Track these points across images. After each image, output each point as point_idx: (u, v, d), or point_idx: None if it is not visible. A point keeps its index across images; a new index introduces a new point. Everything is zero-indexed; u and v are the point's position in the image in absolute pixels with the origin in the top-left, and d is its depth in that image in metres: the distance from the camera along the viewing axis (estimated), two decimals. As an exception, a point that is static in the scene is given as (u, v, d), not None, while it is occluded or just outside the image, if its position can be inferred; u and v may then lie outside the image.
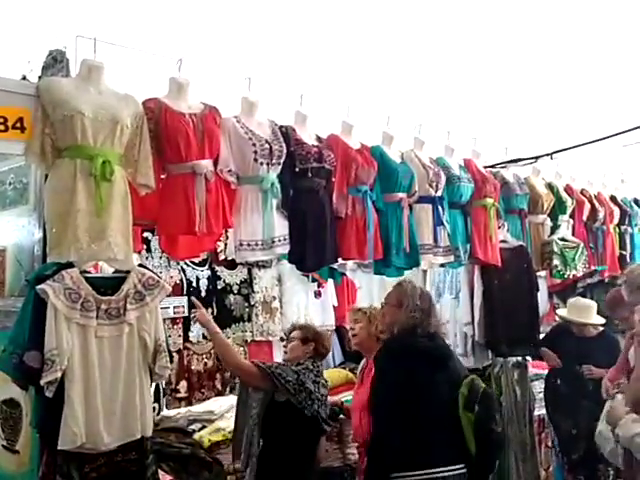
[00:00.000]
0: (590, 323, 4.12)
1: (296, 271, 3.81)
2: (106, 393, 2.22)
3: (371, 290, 4.50)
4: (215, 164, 2.64)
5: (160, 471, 2.60)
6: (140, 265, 2.49)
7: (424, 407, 2.59)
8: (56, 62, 2.56)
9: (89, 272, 2.38)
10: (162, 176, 2.57)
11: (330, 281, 4.28)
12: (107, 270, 2.60)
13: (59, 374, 2.12)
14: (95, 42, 2.40)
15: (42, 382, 2.11)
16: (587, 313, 4.13)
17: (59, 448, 2.11)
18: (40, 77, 2.49)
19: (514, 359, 4.01)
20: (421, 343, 2.72)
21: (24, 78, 2.46)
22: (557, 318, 4.42)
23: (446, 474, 2.57)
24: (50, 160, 2.26)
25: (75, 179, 2.21)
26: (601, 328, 4.16)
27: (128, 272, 2.37)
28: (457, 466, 2.60)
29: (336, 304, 4.48)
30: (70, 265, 2.23)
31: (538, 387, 4.23)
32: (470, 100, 4.65)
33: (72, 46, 2.50)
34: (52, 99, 2.24)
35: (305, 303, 4.33)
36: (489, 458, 2.70)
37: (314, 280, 4.29)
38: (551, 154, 4.43)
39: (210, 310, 3.81)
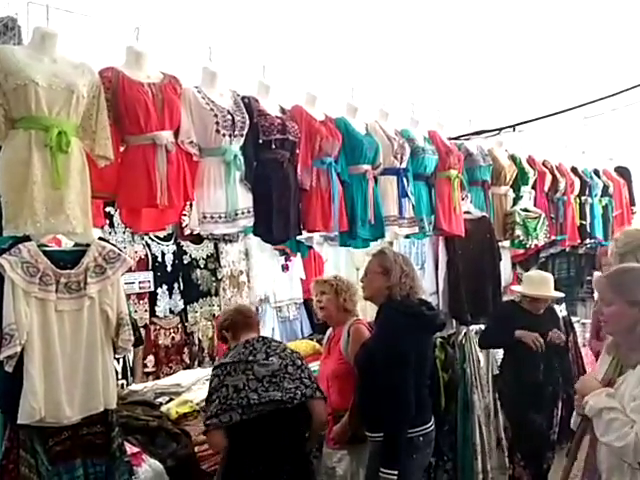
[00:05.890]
0: (550, 296, 3.89)
1: (264, 245, 3.82)
2: (67, 367, 2.20)
3: (338, 263, 4.53)
4: (176, 135, 2.60)
5: (128, 444, 2.61)
6: (100, 238, 2.46)
7: (421, 370, 2.75)
8: (7, 30, 2.48)
9: (48, 246, 2.34)
10: (121, 148, 2.53)
11: (297, 254, 4.30)
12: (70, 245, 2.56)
13: (18, 349, 2.09)
14: (48, 9, 2.32)
15: (1, 357, 2.09)
16: (545, 286, 3.89)
17: (18, 422, 2.10)
18: (-10, 45, 2.41)
19: (477, 327, 4.11)
20: (422, 311, 2.79)
21: (-27, 46, 2.37)
22: (514, 295, 4.09)
23: (430, 429, 2.76)
24: (3, 131, 2.18)
25: (30, 151, 2.15)
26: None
27: (88, 246, 2.34)
28: (433, 420, 2.79)
29: (304, 277, 4.51)
30: (27, 239, 2.19)
31: (501, 353, 4.27)
32: (434, 72, 4.66)
33: (24, 13, 2.42)
34: (4, 68, 2.15)
35: (273, 277, 4.35)
36: (452, 412, 3.07)
37: (283, 253, 4.29)
38: (514, 126, 4.50)
39: (177, 285, 3.80)
